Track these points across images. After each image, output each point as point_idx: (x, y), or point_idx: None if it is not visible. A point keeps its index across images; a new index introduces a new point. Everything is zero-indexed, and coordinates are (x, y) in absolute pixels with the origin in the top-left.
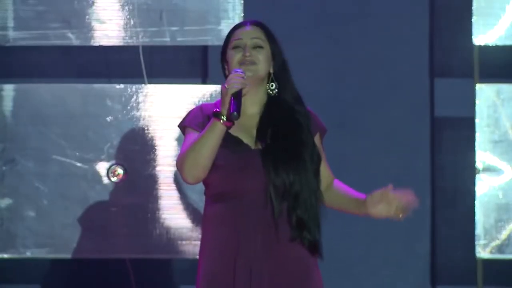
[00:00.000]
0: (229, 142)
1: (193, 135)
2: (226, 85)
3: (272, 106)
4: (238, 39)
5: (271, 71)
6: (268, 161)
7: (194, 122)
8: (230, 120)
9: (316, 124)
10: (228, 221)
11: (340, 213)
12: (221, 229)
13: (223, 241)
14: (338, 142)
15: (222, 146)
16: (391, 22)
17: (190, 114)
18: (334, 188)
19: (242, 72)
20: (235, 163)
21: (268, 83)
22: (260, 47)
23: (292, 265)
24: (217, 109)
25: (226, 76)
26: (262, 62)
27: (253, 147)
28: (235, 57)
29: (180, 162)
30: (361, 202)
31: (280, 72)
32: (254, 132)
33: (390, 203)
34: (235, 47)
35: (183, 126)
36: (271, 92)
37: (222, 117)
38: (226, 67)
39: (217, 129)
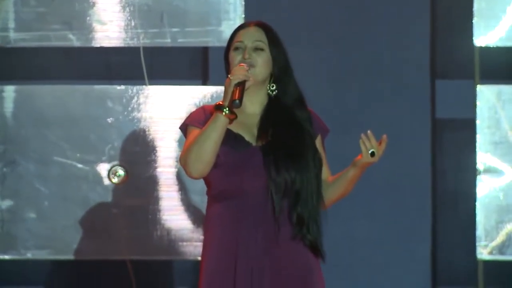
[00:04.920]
0: (231, 139)
1: (195, 132)
2: (230, 76)
3: (272, 107)
4: (239, 41)
5: (272, 73)
6: (269, 158)
7: (197, 120)
8: (233, 107)
9: (318, 125)
10: (228, 220)
11: (341, 216)
12: (221, 229)
13: (223, 241)
14: (338, 143)
15: (224, 143)
16: (392, 24)
17: (192, 114)
18: (329, 181)
19: (246, 66)
20: (236, 160)
21: (269, 84)
22: (261, 49)
23: (293, 264)
24: (220, 103)
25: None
26: (261, 65)
27: (254, 144)
28: (235, 58)
29: (184, 157)
30: (349, 168)
31: (280, 74)
32: (255, 130)
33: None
34: (236, 49)
35: (185, 125)
36: (271, 93)
37: (225, 110)
38: (229, 67)
39: (220, 121)
